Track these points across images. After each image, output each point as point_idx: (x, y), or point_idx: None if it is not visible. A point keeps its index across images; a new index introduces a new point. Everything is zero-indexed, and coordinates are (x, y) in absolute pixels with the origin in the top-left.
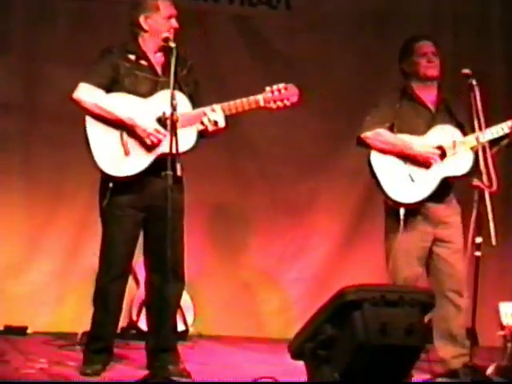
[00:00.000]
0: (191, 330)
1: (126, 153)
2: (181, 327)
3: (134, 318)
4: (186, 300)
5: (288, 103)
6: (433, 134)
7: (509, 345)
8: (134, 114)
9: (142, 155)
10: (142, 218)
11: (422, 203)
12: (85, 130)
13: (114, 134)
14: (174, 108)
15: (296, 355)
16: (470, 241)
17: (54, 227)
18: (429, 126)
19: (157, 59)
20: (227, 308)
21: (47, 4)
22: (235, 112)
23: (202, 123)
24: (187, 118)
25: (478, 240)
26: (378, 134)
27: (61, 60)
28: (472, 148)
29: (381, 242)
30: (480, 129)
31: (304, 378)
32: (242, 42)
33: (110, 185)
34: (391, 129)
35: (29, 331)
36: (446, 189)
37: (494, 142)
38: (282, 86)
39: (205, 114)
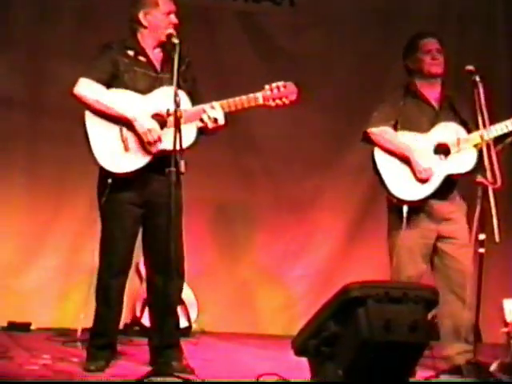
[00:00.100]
0: (194, 326)
1: (126, 149)
2: (184, 324)
3: (138, 314)
4: (189, 296)
5: (287, 101)
6: (436, 132)
7: None
8: (134, 110)
9: (141, 151)
10: (141, 214)
11: (425, 200)
12: (84, 126)
13: (113, 130)
14: (177, 104)
15: (299, 352)
16: (474, 237)
17: (57, 224)
18: (432, 124)
19: (155, 55)
20: (231, 304)
21: (51, 1)
22: (234, 109)
23: (202, 120)
24: (187, 115)
25: (482, 237)
26: (383, 132)
27: (64, 56)
28: (476, 145)
29: (384, 239)
30: (484, 126)
31: (307, 375)
32: (246, 38)
33: (109, 181)
34: (395, 126)
35: (32, 327)
36: (449, 186)
37: (498, 140)
38: (281, 84)
39: (204, 111)
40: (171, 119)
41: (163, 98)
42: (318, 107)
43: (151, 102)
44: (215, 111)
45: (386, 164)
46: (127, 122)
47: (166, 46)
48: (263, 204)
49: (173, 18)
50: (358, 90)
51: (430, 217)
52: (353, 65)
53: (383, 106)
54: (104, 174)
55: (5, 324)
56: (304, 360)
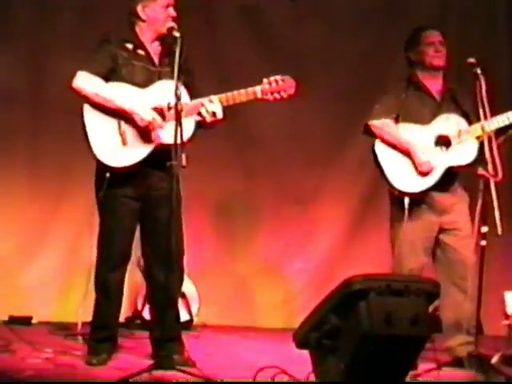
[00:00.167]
0: (196, 319)
1: (124, 142)
2: (186, 317)
3: (139, 307)
4: (190, 290)
5: (285, 95)
6: (438, 123)
7: None
8: (133, 104)
9: (140, 145)
10: (139, 207)
11: (426, 192)
12: (82, 119)
13: (111, 124)
14: (178, 98)
15: (301, 344)
16: (476, 230)
17: (58, 220)
18: (434, 115)
19: (154, 49)
20: (232, 298)
21: None
22: (233, 103)
23: (200, 114)
24: (185, 109)
25: (484, 229)
26: (384, 124)
27: (65, 52)
28: (477, 137)
29: (386, 231)
30: (485, 118)
31: (309, 368)
32: (247, 31)
33: (107, 175)
34: (397, 119)
35: (33, 321)
36: (450, 178)
37: (499, 132)
38: (279, 77)
39: (202, 105)
40: (171, 113)
41: (162, 91)
42: (320, 100)
43: (150, 95)
44: (213, 105)
45: (386, 156)
46: (126, 115)
47: (164, 39)
48: (264, 198)
49: (171, 11)
50: (362, 83)
51: (432, 209)
52: (356, 56)
53: (386, 98)
54: (101, 167)
55: (6, 318)
56: (305, 353)
